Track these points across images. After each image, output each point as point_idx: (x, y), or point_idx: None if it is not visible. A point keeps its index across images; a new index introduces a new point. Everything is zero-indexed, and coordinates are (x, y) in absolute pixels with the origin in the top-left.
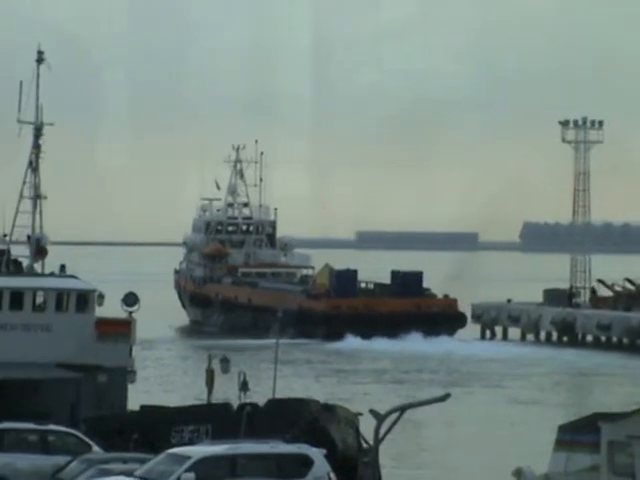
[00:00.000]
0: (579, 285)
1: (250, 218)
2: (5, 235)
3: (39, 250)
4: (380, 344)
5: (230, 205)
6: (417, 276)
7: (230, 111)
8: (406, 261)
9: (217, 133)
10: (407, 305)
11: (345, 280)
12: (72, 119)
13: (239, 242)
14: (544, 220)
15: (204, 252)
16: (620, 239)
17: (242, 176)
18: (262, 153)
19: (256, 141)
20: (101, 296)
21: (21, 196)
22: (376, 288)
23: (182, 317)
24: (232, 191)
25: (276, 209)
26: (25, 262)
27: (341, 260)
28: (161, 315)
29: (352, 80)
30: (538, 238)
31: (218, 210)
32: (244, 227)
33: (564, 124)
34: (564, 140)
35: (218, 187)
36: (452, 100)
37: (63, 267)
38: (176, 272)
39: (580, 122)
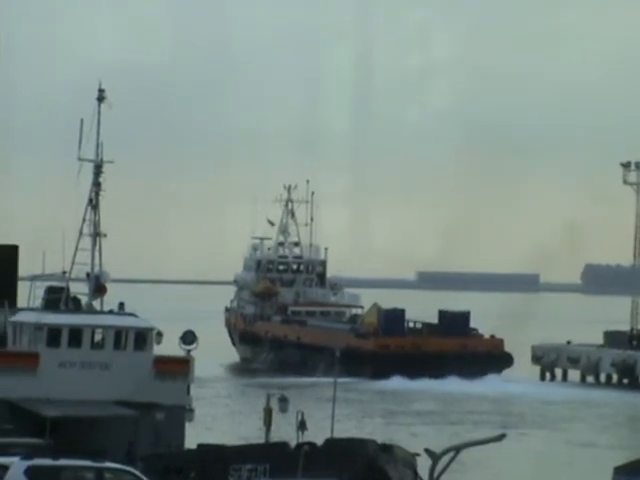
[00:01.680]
0: None
1: (300, 257)
2: (65, 272)
3: (98, 288)
4: (427, 384)
5: (281, 244)
6: (464, 316)
7: (281, 150)
8: (466, 302)
9: (268, 172)
10: (454, 345)
11: (393, 319)
12: (128, 157)
13: (289, 281)
14: (605, 262)
15: (254, 290)
16: None
17: (293, 215)
18: (313, 193)
19: (307, 181)
20: (159, 334)
21: (81, 233)
22: (424, 327)
23: (232, 355)
24: (283, 230)
25: (326, 248)
26: (84, 299)
27: (399, 300)
28: (212, 353)
29: (403, 117)
30: (599, 280)
31: (269, 249)
32: (294, 266)
33: (626, 166)
34: (625, 182)
35: (272, 224)
36: (508, 140)
37: (122, 305)
38: (227, 310)
39: None
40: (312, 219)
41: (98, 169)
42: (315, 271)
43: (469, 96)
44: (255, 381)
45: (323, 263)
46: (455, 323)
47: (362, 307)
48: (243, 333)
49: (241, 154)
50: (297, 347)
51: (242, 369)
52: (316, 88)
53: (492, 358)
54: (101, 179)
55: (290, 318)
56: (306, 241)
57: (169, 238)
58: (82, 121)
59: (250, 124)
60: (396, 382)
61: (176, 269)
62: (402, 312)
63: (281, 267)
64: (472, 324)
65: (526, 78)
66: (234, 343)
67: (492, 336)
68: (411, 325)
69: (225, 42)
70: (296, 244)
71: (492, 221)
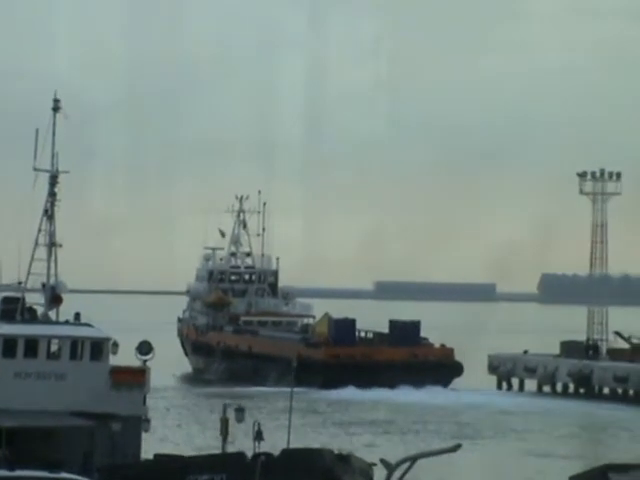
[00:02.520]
0: (596, 337)
1: (252, 267)
2: (20, 282)
3: (54, 298)
4: (377, 394)
5: (233, 254)
6: (415, 325)
7: (233, 161)
8: (423, 312)
9: (220, 183)
10: (404, 354)
11: (344, 329)
12: (84, 168)
13: (241, 291)
14: (562, 272)
15: (207, 301)
16: (638, 291)
17: (245, 226)
18: (265, 203)
19: (259, 191)
20: (115, 344)
21: (36, 244)
22: (375, 337)
23: (185, 365)
24: (235, 241)
25: (278, 258)
26: (40, 310)
27: (355, 311)
28: (164, 363)
29: (358, 126)
30: (556, 289)
31: (221, 259)
32: (246, 276)
33: (582, 176)
34: (582, 192)
35: (223, 235)
36: (466, 151)
37: (78, 315)
38: (179, 320)
39: (598, 174)
40: (264, 229)
41: (54, 179)
42: (267, 281)
43: (425, 106)
44: (208, 391)
45: (275, 273)
46: (405, 332)
47: (314, 317)
48: (195, 343)
49: (194, 165)
50: (249, 357)
51: (194, 379)
52: (268, 99)
53: (442, 367)
54: (57, 189)
55: (242, 328)
56: (258, 251)
57: (124, 249)
58: (37, 131)
59: (202, 135)
60: (347, 392)
61: (131, 280)
62: (353, 322)
63: (233, 277)
64: (429, 334)
65: (484, 87)
66: (186, 353)
67: (442, 345)
68: (362, 335)
69: (178, 54)
70: (248, 254)
71: (449, 231)
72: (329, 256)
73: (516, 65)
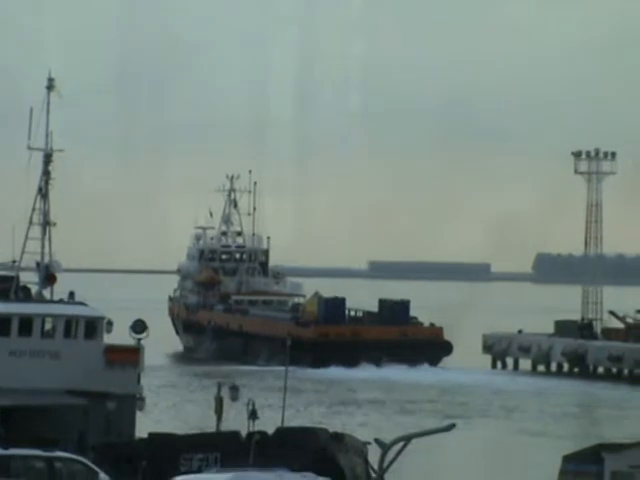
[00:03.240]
0: (591, 316)
1: (243, 246)
2: (14, 261)
3: (48, 277)
4: (367, 372)
5: (224, 234)
6: (404, 305)
7: (224, 140)
8: (418, 291)
9: (212, 162)
10: (393, 333)
11: (333, 308)
12: (78, 147)
13: (232, 270)
14: (557, 251)
15: (197, 280)
16: (633, 271)
17: (236, 205)
18: (255, 182)
19: (249, 171)
20: (110, 323)
21: (30, 222)
22: (364, 316)
23: (176, 344)
24: (226, 220)
25: (269, 238)
26: (34, 288)
27: (348, 290)
28: (156, 342)
29: (348, 106)
30: (551, 269)
31: (212, 238)
32: (237, 255)
33: (577, 155)
34: (577, 171)
35: (211, 215)
36: (461, 131)
37: (72, 294)
38: (170, 299)
39: (593, 153)
40: (255, 209)
41: (48, 158)
42: (258, 260)
43: (420, 84)
44: (199, 370)
45: (266, 252)
46: (395, 312)
47: (304, 296)
48: (186, 322)
49: (185, 144)
50: (239, 336)
51: (185, 358)
52: (260, 78)
53: (431, 346)
54: (51, 168)
55: (232, 307)
56: (249, 231)
57: (117, 228)
58: (31, 110)
59: (194, 115)
60: (337, 370)
61: (124, 258)
62: (342, 301)
63: (224, 256)
64: (422, 314)
65: (482, 66)
66: (177, 332)
67: (432, 324)
68: (352, 314)
69: (169, 34)
70: (239, 234)
71: (444, 211)
72: (322, 236)
73: (514, 44)
